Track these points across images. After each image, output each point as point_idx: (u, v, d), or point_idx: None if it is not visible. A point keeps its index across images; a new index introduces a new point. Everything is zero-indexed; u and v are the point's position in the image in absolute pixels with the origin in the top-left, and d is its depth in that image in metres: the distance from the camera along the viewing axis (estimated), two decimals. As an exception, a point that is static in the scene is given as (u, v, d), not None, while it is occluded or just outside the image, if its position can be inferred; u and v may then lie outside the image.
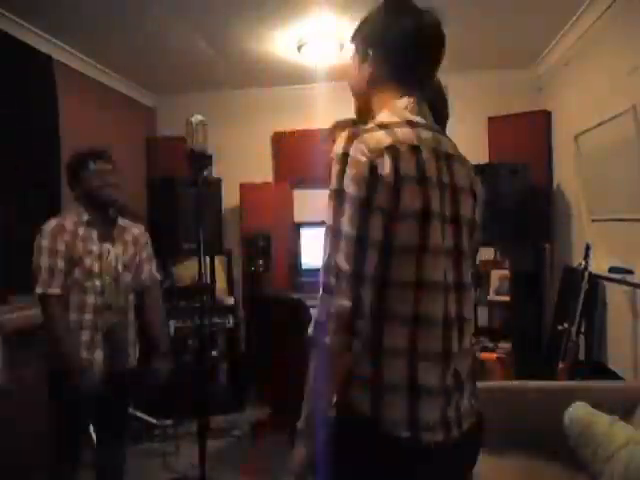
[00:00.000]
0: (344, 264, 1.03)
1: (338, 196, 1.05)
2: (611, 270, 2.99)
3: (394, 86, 1.20)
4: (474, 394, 1.21)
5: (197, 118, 2.20)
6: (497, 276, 4.14)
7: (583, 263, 3.14)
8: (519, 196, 3.90)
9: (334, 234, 1.04)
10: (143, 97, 5.01)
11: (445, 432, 1.09)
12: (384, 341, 1.07)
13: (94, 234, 2.25)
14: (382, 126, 1.10)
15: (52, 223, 2.19)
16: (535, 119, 4.25)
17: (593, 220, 3.44)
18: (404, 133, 1.09)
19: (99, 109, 4.29)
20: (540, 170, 4.14)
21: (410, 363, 1.06)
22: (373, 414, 1.05)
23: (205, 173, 2.27)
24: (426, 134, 1.13)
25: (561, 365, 3.12)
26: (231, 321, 4.31)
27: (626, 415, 2.09)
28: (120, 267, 2.31)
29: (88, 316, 2.20)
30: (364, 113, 1.25)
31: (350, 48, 1.30)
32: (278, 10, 3.26)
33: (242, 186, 4.76)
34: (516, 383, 2.62)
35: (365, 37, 1.24)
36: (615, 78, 3.02)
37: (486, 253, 4.46)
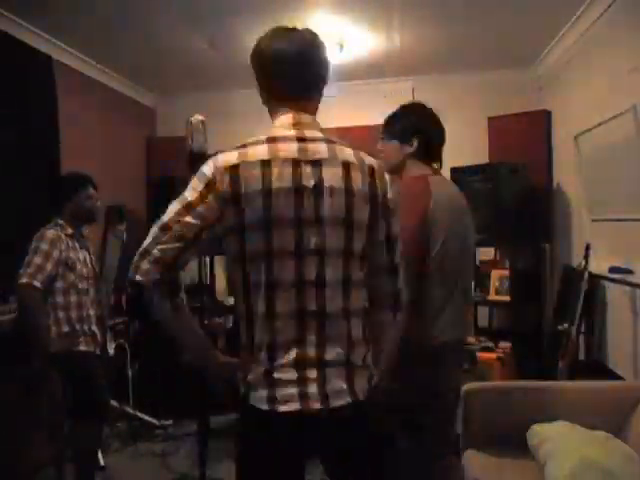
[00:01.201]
0: (148, 236, 1.25)
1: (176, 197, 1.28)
2: (611, 270, 2.99)
3: (274, 104, 1.39)
4: (350, 378, 1.24)
5: (197, 118, 2.20)
6: (497, 276, 4.13)
7: (583, 263, 3.13)
8: (519, 196, 3.89)
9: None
10: (143, 97, 5.01)
11: (304, 403, 1.20)
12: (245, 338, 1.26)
13: (77, 244, 2.64)
14: (240, 146, 1.26)
15: (51, 232, 2.54)
16: (535, 119, 4.24)
17: (593, 220, 3.44)
18: (256, 150, 1.24)
19: (99, 109, 4.29)
20: (540, 170, 4.14)
21: (269, 355, 1.22)
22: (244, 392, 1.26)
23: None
24: (287, 146, 1.25)
25: (561, 365, 3.12)
26: (231, 321, 4.31)
27: (626, 415, 2.09)
28: (97, 270, 2.79)
29: (85, 312, 2.60)
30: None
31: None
32: (278, 10, 3.26)
33: (242, 186, 4.76)
34: (516, 383, 2.62)
35: (250, 61, 1.41)
36: (615, 78, 3.02)
37: (486, 253, 4.46)
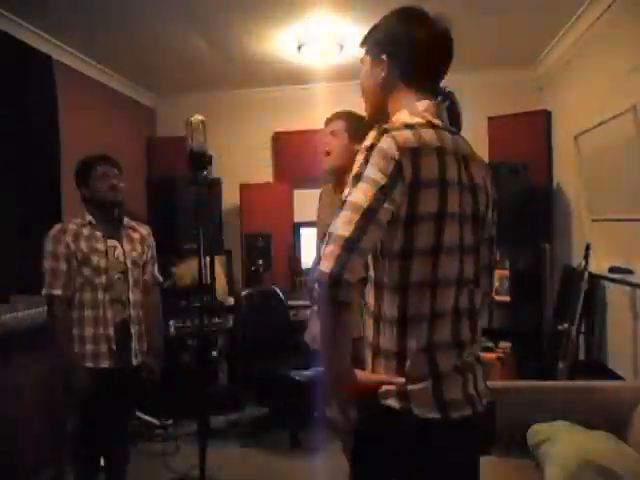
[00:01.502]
0: (341, 228, 1.06)
1: (356, 179, 1.10)
2: (611, 270, 2.99)
3: (410, 89, 1.24)
4: (484, 378, 1.25)
5: (197, 118, 2.19)
6: (497, 276, 4.13)
7: (583, 263, 3.14)
8: (519, 196, 3.89)
9: (344, 207, 1.08)
10: (143, 97, 5.01)
11: (472, 408, 1.17)
12: (407, 340, 1.13)
13: (98, 233, 2.33)
14: (408, 126, 1.14)
15: (56, 227, 2.32)
16: (535, 119, 4.25)
17: (593, 220, 3.44)
18: (428, 135, 1.14)
19: (99, 109, 4.29)
20: (540, 170, 4.14)
21: (429, 354, 1.14)
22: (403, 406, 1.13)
23: (205, 173, 2.26)
24: (447, 136, 1.18)
25: (561, 365, 3.12)
26: (231, 321, 4.31)
27: (626, 415, 2.09)
28: (129, 263, 2.38)
29: (101, 311, 2.28)
30: (377, 114, 1.29)
31: (358, 52, 1.33)
32: (278, 10, 3.26)
33: (242, 186, 4.77)
34: (516, 383, 2.62)
35: (379, 42, 1.29)
36: (615, 78, 3.02)
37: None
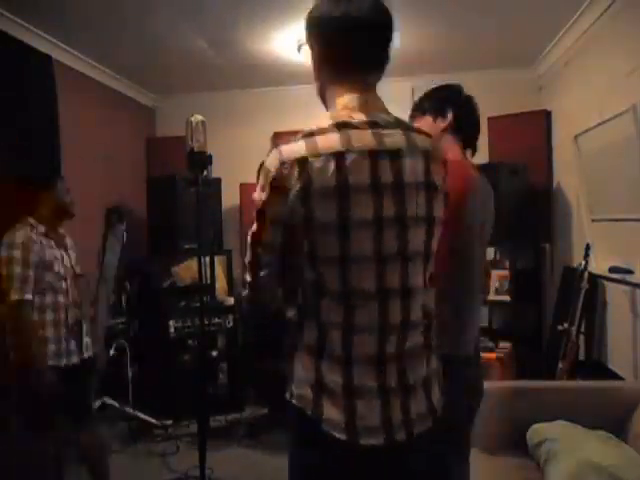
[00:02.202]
0: (247, 274, 1.16)
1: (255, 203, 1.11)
2: (611, 270, 2.99)
3: (336, 82, 1.15)
4: (430, 398, 1.12)
5: (197, 118, 2.20)
6: (497, 276, 4.13)
7: (583, 263, 3.14)
8: (519, 196, 3.90)
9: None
10: (143, 97, 5.01)
11: (387, 435, 1.05)
12: (325, 345, 1.07)
13: (52, 242, 2.49)
14: (306, 135, 1.07)
15: (19, 235, 2.38)
16: (535, 119, 4.25)
17: (593, 220, 3.44)
18: (328, 140, 1.04)
19: (99, 109, 4.29)
20: (540, 170, 4.14)
21: (346, 366, 1.06)
22: (314, 413, 1.06)
23: (205, 173, 2.27)
24: (360, 135, 1.06)
25: (561, 365, 3.12)
26: (231, 321, 4.31)
27: (626, 415, 2.09)
28: (77, 269, 2.61)
29: (62, 314, 2.45)
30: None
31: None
32: (278, 10, 3.25)
33: (242, 186, 4.76)
34: (516, 383, 2.62)
35: (306, 31, 1.21)
36: (615, 78, 3.02)
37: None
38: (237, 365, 4.25)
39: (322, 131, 1.06)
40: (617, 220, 3.11)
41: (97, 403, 3.55)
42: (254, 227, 1.11)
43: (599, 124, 3.15)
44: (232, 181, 4.68)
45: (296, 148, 1.05)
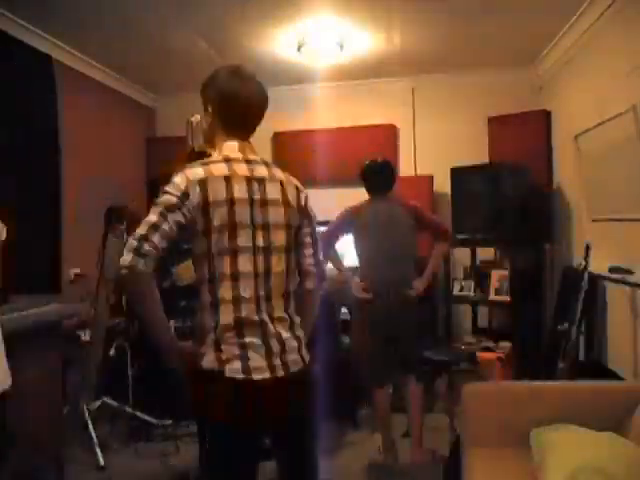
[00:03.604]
0: (136, 234, 1.48)
1: (154, 203, 1.52)
2: (611, 270, 2.99)
3: (223, 132, 1.64)
4: (300, 346, 1.62)
5: (197, 118, 2.20)
6: (497, 276, 4.13)
7: (583, 263, 3.13)
8: (519, 196, 3.89)
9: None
10: (143, 97, 5.02)
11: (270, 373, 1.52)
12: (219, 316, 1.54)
13: None
14: (203, 163, 1.53)
15: None
16: (535, 119, 4.24)
17: (593, 220, 3.44)
18: (218, 168, 1.52)
19: (99, 109, 4.29)
20: (540, 170, 4.14)
21: (237, 331, 1.51)
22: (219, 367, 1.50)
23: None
24: (239, 167, 1.56)
25: (561, 365, 3.12)
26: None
27: (626, 415, 2.09)
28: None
29: None
30: (211, 148, 1.69)
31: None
32: (278, 10, 3.26)
33: (242, 186, 4.76)
34: (516, 383, 2.62)
35: (205, 95, 1.72)
36: (615, 78, 3.02)
37: (486, 253, 4.46)
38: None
39: (214, 162, 1.55)
40: (617, 220, 3.11)
41: (97, 403, 3.55)
42: (151, 216, 1.49)
43: (599, 124, 3.15)
44: (232, 181, 4.68)
45: (196, 171, 1.51)
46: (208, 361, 1.51)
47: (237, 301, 1.52)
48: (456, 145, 4.56)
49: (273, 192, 1.59)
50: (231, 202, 1.50)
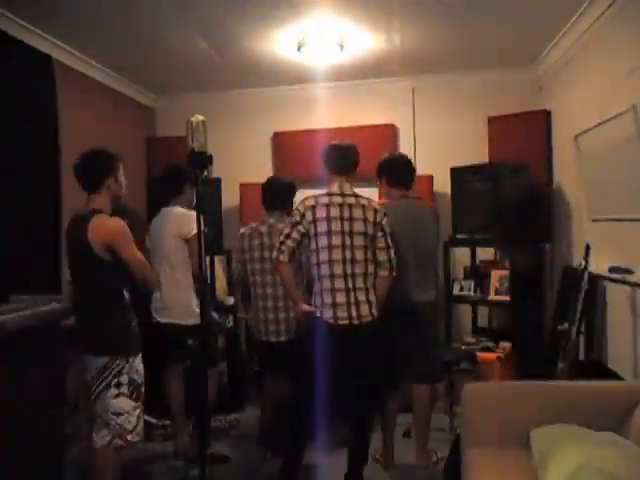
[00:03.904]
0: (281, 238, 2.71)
1: (289, 222, 2.76)
2: (611, 270, 2.99)
3: (331, 176, 2.76)
4: (371, 307, 2.67)
5: (197, 118, 2.20)
6: (497, 276, 4.13)
7: (583, 263, 3.13)
8: (519, 196, 3.89)
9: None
10: (143, 97, 5.01)
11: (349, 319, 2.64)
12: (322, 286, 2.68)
13: None
14: (315, 196, 2.70)
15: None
16: (535, 119, 4.25)
17: (593, 220, 3.44)
18: (322, 198, 2.68)
19: (99, 109, 4.29)
20: (540, 170, 4.14)
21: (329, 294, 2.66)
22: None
23: (205, 173, 2.27)
24: (336, 198, 2.67)
25: (561, 365, 3.12)
26: (231, 321, 4.31)
27: (626, 415, 2.09)
28: None
29: None
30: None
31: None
32: (278, 10, 3.26)
33: (242, 186, 4.77)
34: (516, 383, 2.62)
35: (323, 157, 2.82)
36: (615, 78, 3.02)
37: (486, 253, 4.46)
38: (237, 365, 4.25)
39: (321, 196, 2.70)
40: (617, 220, 3.11)
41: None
42: (287, 230, 2.70)
43: (599, 124, 3.15)
44: (232, 181, 4.68)
45: (310, 201, 2.69)
46: (315, 311, 2.65)
47: (332, 276, 2.61)
48: (456, 145, 4.56)
49: (357, 213, 2.64)
50: (328, 219, 2.62)
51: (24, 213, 3.22)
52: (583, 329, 3.27)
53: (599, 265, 3.16)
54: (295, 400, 2.75)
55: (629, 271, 2.85)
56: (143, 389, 2.47)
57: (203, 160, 2.21)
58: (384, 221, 2.66)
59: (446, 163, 4.28)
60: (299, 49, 3.82)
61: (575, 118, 3.64)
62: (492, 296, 4.12)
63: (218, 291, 4.43)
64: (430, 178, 4.52)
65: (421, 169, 4.77)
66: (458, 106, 4.63)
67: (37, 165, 3.36)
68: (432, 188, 4.53)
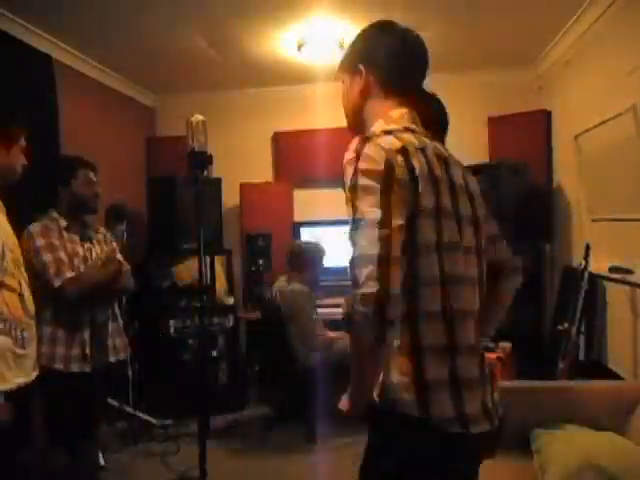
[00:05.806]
0: (369, 248, 1.04)
1: (355, 192, 1.10)
2: (611, 270, 2.99)
3: (386, 98, 1.28)
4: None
5: (197, 118, 2.19)
6: (497, 276, 4.12)
7: (583, 263, 3.13)
8: (519, 196, 3.89)
9: (354, 226, 1.08)
10: (143, 97, 5.01)
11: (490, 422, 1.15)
12: (422, 339, 1.09)
13: (76, 237, 2.37)
14: (387, 132, 1.15)
15: (36, 226, 2.31)
16: (535, 119, 4.24)
17: (593, 220, 3.44)
18: (408, 138, 1.15)
19: (99, 109, 4.29)
20: (540, 170, 4.14)
21: (450, 358, 1.10)
22: (421, 414, 1.06)
23: (205, 173, 2.26)
24: (424, 139, 1.20)
25: (561, 365, 3.12)
26: (231, 321, 4.31)
27: (626, 415, 2.09)
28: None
29: (81, 314, 2.32)
30: (356, 124, 1.34)
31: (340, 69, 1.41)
32: (278, 10, 3.26)
33: (242, 186, 4.76)
34: (516, 383, 2.62)
35: (356, 54, 1.34)
36: (615, 78, 3.02)
37: (486, 253, 4.45)
38: (237, 365, 4.25)
39: (398, 131, 1.18)
40: (617, 220, 3.11)
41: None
42: (374, 207, 1.09)
43: (599, 124, 3.14)
44: (232, 181, 4.68)
45: (390, 140, 1.13)
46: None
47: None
48: (456, 144, 4.54)
49: (458, 175, 1.30)
50: (433, 179, 1.18)
51: (24, 212, 3.21)
52: (583, 329, 3.27)
53: (599, 265, 3.16)
54: None
55: (629, 271, 2.85)
56: None
57: (203, 160, 2.21)
58: None
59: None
60: (299, 49, 3.82)
61: (575, 118, 3.64)
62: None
63: (218, 291, 4.43)
64: (430, 178, 4.52)
65: (421, 169, 4.78)
66: (458, 106, 4.60)
67: (37, 165, 3.36)
68: (432, 188, 4.52)
